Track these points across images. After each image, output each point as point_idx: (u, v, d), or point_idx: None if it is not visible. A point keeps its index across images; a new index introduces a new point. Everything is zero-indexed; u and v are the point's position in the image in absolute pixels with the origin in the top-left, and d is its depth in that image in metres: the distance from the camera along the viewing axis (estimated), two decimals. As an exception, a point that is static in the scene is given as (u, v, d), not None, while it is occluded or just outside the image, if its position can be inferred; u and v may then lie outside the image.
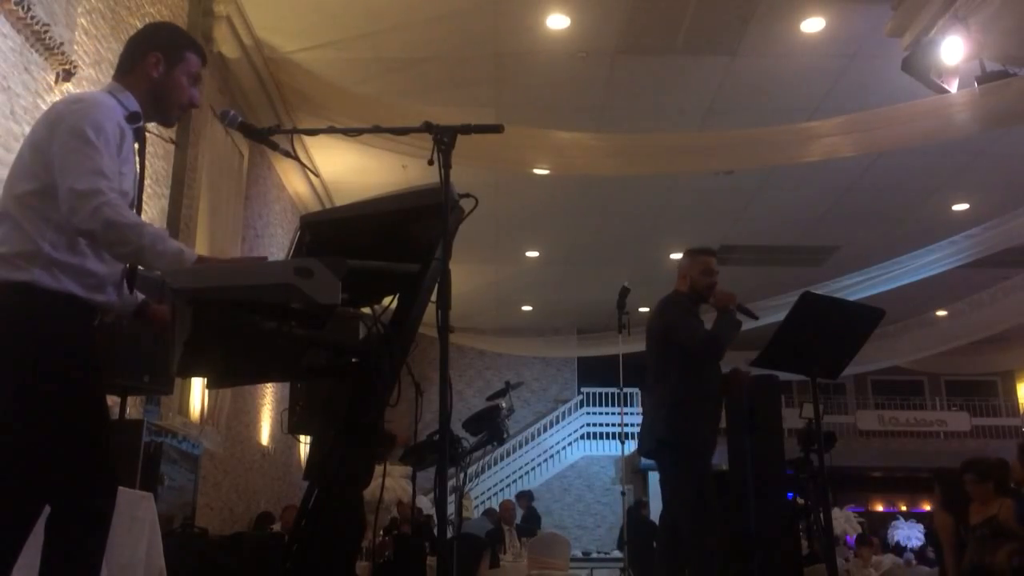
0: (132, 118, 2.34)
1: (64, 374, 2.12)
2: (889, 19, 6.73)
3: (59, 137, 2.17)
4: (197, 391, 6.77)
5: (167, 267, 2.09)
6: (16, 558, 2.10)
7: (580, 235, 11.91)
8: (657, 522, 4.74)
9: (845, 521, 10.88)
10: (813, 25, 7.13)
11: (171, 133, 6.11)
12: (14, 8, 4.18)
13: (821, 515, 4.92)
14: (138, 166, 2.40)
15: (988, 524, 5.06)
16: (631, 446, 9.78)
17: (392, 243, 2.31)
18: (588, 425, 17.39)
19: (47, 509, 2.16)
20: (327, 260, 2.01)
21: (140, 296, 2.48)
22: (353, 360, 2.39)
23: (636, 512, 11.97)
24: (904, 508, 18.09)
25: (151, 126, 2.58)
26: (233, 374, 2.62)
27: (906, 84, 6.62)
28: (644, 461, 12.77)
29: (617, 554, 12.15)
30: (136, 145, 2.38)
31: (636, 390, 14.35)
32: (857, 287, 10.76)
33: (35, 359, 2.09)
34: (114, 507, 2.24)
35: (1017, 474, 4.89)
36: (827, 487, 4.91)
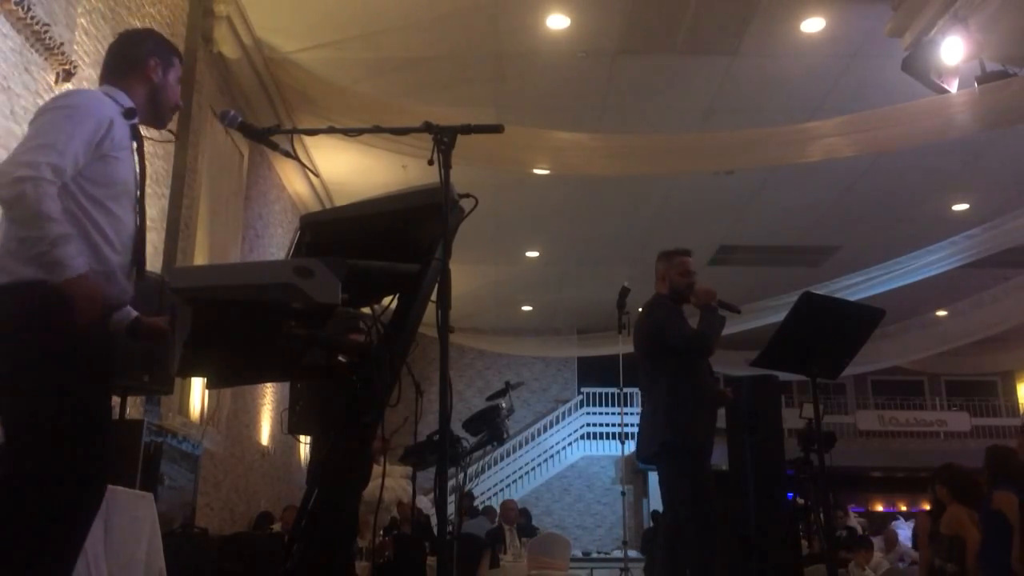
0: (128, 113, 2.35)
1: (81, 368, 2.14)
2: (889, 19, 6.73)
3: (38, 117, 2.20)
4: (197, 391, 6.77)
5: (45, 267, 2.06)
6: (80, 548, 2.15)
7: (580, 235, 11.90)
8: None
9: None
10: (813, 25, 7.13)
11: (168, 131, 6.12)
12: (14, 8, 4.18)
13: (821, 515, 4.93)
14: (138, 165, 2.40)
15: (936, 527, 5.30)
16: (631, 446, 9.77)
17: (392, 243, 2.31)
18: (588, 425, 17.38)
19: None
20: (327, 260, 2.01)
21: (132, 312, 2.44)
22: (353, 360, 2.39)
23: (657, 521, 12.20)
24: (904, 508, 18.08)
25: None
26: (233, 374, 2.62)
27: (906, 84, 6.61)
28: (644, 461, 12.76)
29: (617, 554, 12.14)
30: (134, 143, 2.39)
31: (636, 390, 14.29)
32: (857, 287, 10.76)
33: (56, 355, 2.10)
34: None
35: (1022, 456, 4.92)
36: (827, 487, 4.91)
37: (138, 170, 2.41)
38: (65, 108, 2.19)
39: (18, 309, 2.10)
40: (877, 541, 10.03)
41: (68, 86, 4.84)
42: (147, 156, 2.52)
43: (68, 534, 2.12)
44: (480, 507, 12.84)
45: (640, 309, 4.58)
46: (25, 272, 2.10)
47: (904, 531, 11.58)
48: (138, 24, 5.71)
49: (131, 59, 2.44)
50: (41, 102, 4.58)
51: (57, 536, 2.09)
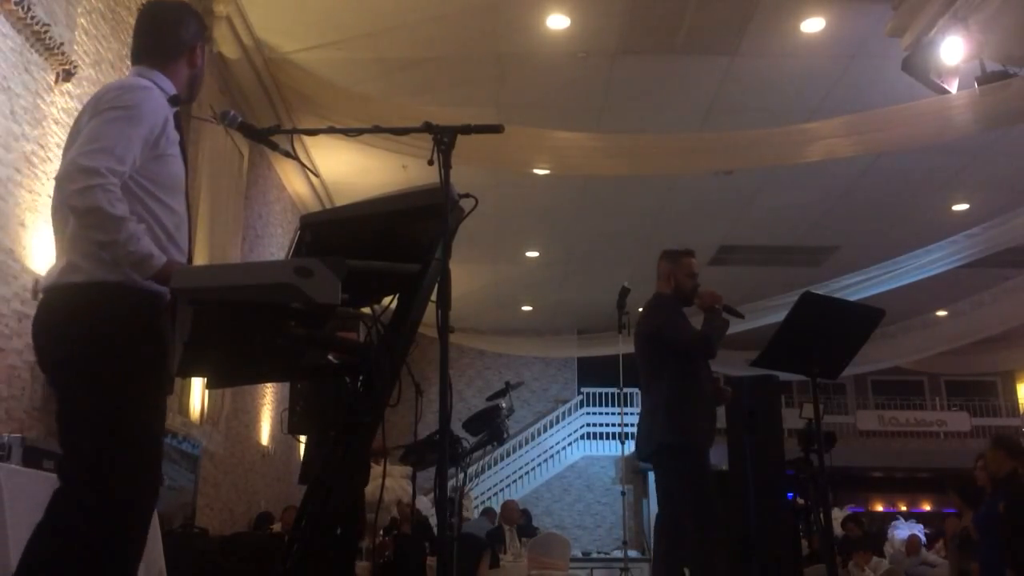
0: (172, 101, 2.37)
1: (158, 367, 2.18)
2: (889, 19, 6.73)
3: (95, 116, 2.19)
4: (197, 391, 6.77)
5: (131, 267, 2.10)
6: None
7: (580, 235, 11.90)
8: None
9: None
10: (813, 25, 7.13)
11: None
12: (14, 8, 4.18)
13: (821, 515, 4.93)
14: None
15: (962, 534, 5.33)
16: (631, 446, 9.80)
17: (392, 243, 2.31)
18: (588, 425, 17.38)
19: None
20: (327, 260, 2.01)
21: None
22: (353, 360, 2.39)
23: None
24: (904, 508, 18.08)
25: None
26: (233, 374, 2.63)
27: (906, 84, 6.61)
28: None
29: (617, 554, 12.15)
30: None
31: (636, 390, 14.30)
32: (857, 287, 10.76)
33: (133, 355, 2.15)
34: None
35: (994, 465, 4.93)
36: (827, 487, 4.91)
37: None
38: (120, 109, 2.18)
39: (95, 306, 2.14)
40: (896, 544, 10.04)
41: (68, 86, 4.84)
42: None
43: (143, 531, 2.18)
44: (478, 508, 12.83)
45: (641, 309, 4.58)
46: (101, 274, 2.14)
47: (902, 532, 11.59)
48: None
49: (178, 43, 2.41)
50: (41, 102, 4.58)
51: (140, 535, 2.16)
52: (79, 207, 2.06)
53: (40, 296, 2.28)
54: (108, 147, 2.11)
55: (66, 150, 2.28)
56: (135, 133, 2.16)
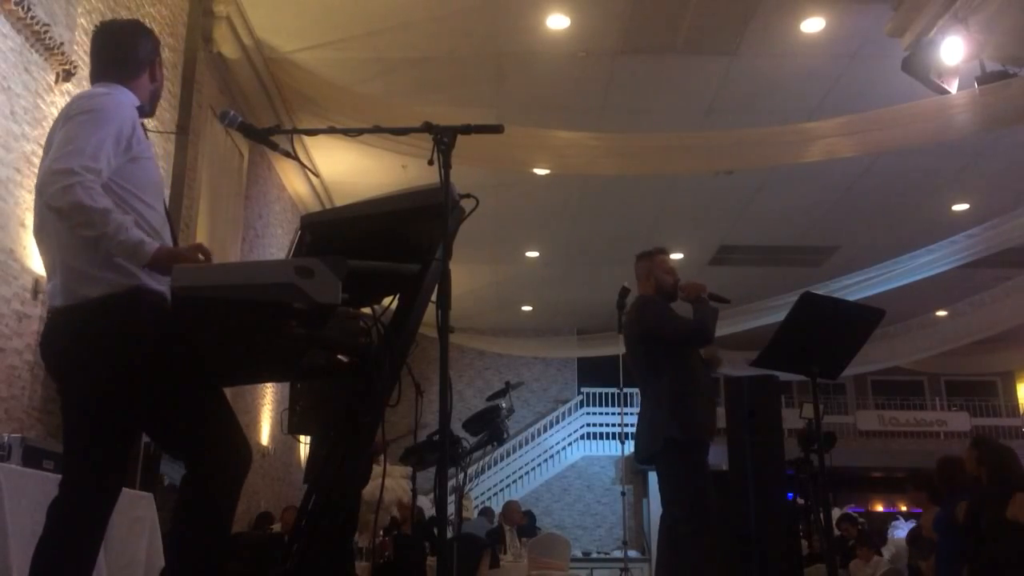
0: (139, 111, 2.40)
1: (178, 367, 2.19)
2: (889, 19, 6.73)
3: (65, 124, 2.20)
4: (197, 391, 6.75)
5: (124, 256, 2.10)
6: None
7: (580, 235, 11.90)
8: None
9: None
10: (813, 25, 7.13)
11: (179, 128, 6.22)
12: (14, 8, 4.18)
13: (821, 515, 4.94)
14: None
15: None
16: (631, 446, 9.82)
17: (392, 243, 2.31)
18: (588, 425, 17.37)
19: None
20: (328, 260, 2.01)
21: None
22: (353, 360, 2.39)
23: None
24: (904, 508, 18.05)
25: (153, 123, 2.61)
26: (233, 374, 2.63)
27: (906, 84, 6.61)
28: (644, 461, 12.74)
29: (617, 554, 12.15)
30: None
31: (636, 390, 14.28)
32: (857, 287, 10.75)
33: (155, 356, 2.16)
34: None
35: (969, 467, 4.97)
36: (827, 487, 4.92)
37: None
38: (88, 112, 2.20)
39: (127, 318, 2.15)
40: (895, 545, 10.02)
41: (68, 86, 4.84)
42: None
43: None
44: (478, 508, 12.83)
45: (627, 311, 4.59)
46: (115, 279, 2.15)
47: (902, 532, 11.58)
48: (138, 24, 5.71)
49: (138, 61, 2.44)
50: (41, 102, 4.59)
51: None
52: (62, 207, 2.06)
53: (50, 315, 2.26)
54: (79, 148, 2.11)
55: (41, 164, 2.28)
56: (104, 132, 2.16)
